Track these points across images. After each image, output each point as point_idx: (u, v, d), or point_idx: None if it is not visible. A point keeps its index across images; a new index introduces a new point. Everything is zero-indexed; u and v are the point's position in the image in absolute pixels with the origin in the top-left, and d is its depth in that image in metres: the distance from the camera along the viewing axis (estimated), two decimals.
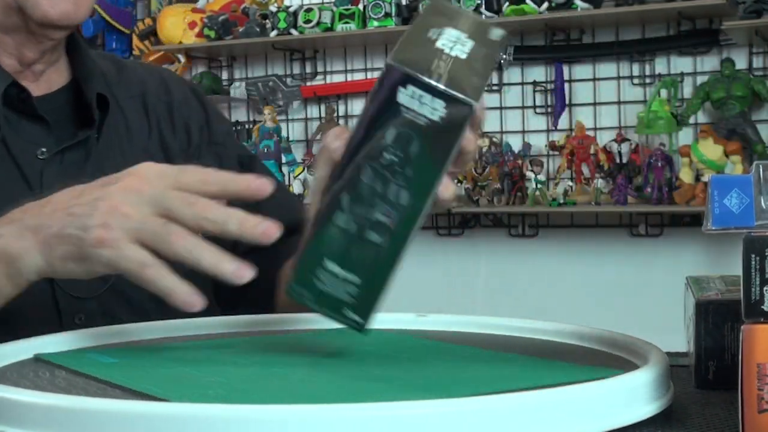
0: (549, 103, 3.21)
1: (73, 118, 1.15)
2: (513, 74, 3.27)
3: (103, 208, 0.78)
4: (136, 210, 0.77)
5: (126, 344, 0.84)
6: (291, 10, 3.31)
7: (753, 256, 0.58)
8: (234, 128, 3.60)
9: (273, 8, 3.35)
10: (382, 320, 0.91)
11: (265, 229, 0.77)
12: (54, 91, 1.16)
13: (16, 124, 1.11)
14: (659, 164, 2.91)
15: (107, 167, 1.04)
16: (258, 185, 0.79)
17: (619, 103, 3.15)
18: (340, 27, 3.24)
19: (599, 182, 3.04)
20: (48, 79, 1.16)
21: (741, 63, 2.97)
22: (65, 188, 0.85)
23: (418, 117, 0.70)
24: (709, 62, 3.04)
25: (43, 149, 1.10)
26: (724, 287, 0.80)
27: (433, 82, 0.69)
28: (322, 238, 0.74)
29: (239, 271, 0.76)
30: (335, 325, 0.77)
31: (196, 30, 3.42)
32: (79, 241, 0.79)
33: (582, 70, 3.18)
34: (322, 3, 3.40)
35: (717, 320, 0.74)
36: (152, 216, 0.77)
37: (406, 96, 0.70)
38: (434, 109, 0.70)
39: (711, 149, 2.86)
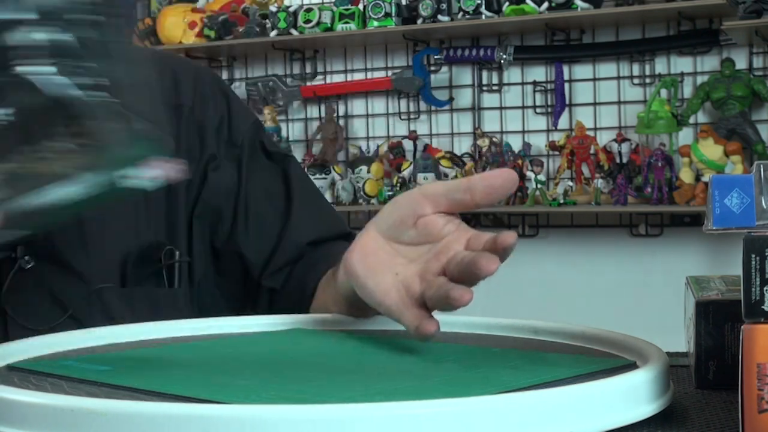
0: (549, 103, 3.21)
1: None
2: (513, 74, 3.27)
3: None
4: None
5: (92, 350, 0.82)
6: (291, 10, 3.32)
7: (753, 256, 0.58)
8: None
9: (273, 8, 3.36)
10: (381, 321, 0.91)
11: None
12: None
13: None
14: (659, 164, 2.91)
15: None
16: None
17: (619, 103, 3.15)
18: (340, 27, 3.24)
19: (599, 182, 3.04)
20: None
21: (741, 63, 2.97)
22: None
23: None
24: (709, 62, 3.04)
25: None
26: (724, 287, 0.80)
27: None
28: None
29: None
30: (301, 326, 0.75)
31: (196, 30, 3.42)
32: None
33: (582, 70, 3.18)
34: (322, 3, 3.40)
35: (717, 320, 0.74)
36: None
37: None
38: None
39: (711, 149, 2.86)
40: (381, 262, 0.82)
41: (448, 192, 0.81)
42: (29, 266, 1.00)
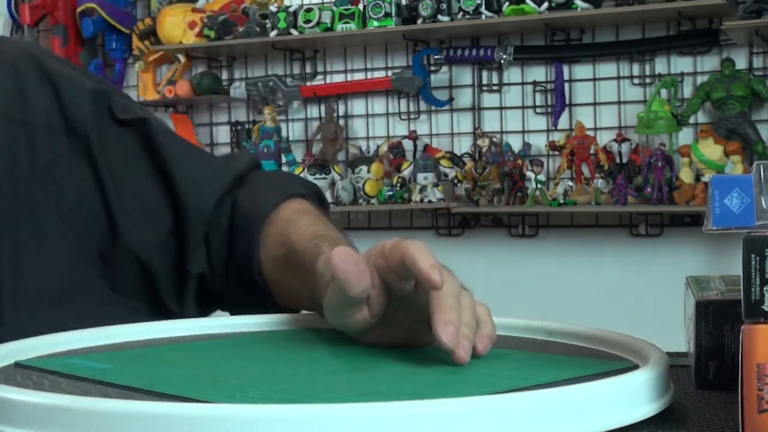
0: (549, 103, 3.21)
1: None
2: (513, 74, 3.27)
3: None
4: None
5: (91, 350, 0.82)
6: (291, 10, 3.32)
7: (753, 256, 0.58)
8: (234, 128, 3.61)
9: (273, 8, 3.35)
10: None
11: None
12: None
13: None
14: (659, 164, 2.91)
15: None
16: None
17: (619, 103, 3.15)
18: (340, 27, 3.24)
19: (599, 182, 3.04)
20: None
21: (741, 63, 2.97)
22: None
23: None
24: (709, 62, 3.04)
25: None
26: (724, 287, 0.80)
27: None
28: None
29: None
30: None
31: (196, 30, 3.42)
32: None
33: (582, 70, 3.18)
34: (322, 3, 3.40)
35: (717, 320, 0.74)
36: None
37: None
38: None
39: (711, 149, 2.86)
40: None
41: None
42: None
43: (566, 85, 3.17)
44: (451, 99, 3.34)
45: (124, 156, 1.00)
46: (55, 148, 0.96)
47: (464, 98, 3.33)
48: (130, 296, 1.00)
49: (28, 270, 0.95)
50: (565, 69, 3.17)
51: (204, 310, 1.05)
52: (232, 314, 1.05)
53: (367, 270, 0.73)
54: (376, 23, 3.19)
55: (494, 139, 3.20)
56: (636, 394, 0.63)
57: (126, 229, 0.99)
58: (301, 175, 3.36)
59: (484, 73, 3.30)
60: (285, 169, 3.44)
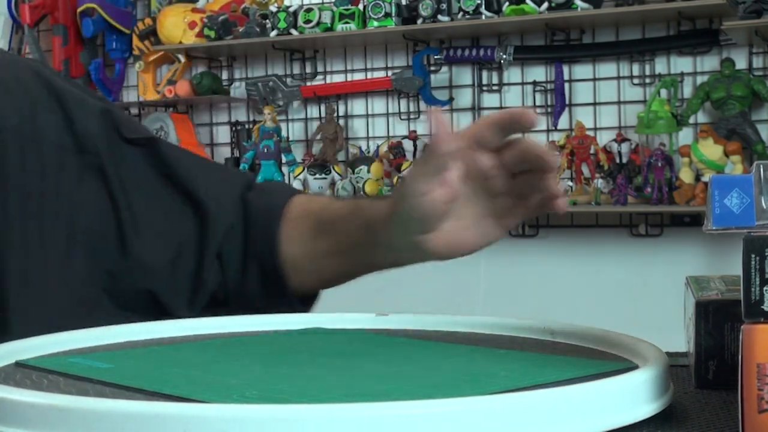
0: (549, 103, 3.21)
1: None
2: (513, 74, 3.27)
3: None
4: None
5: (92, 350, 0.82)
6: (291, 10, 3.32)
7: (753, 256, 0.58)
8: (234, 128, 3.61)
9: (273, 8, 3.36)
10: (384, 321, 0.91)
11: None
12: None
13: None
14: (659, 164, 2.91)
15: None
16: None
17: (619, 103, 3.15)
18: (340, 27, 3.24)
19: (599, 182, 3.04)
20: None
21: (741, 63, 2.97)
22: None
23: None
24: (709, 62, 3.04)
25: None
26: (724, 287, 0.80)
27: None
28: None
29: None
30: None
31: (196, 30, 3.42)
32: None
33: (582, 70, 3.18)
34: (322, 3, 3.40)
35: (717, 320, 0.74)
36: None
37: None
38: None
39: (711, 149, 2.86)
40: None
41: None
42: None
43: (566, 85, 3.17)
44: (451, 99, 3.34)
45: (134, 173, 1.01)
46: (64, 166, 0.97)
47: (464, 98, 3.33)
48: (135, 311, 1.00)
49: (36, 286, 0.96)
50: (565, 69, 3.17)
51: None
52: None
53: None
54: (376, 23, 3.19)
55: None
56: (636, 394, 0.63)
57: (137, 243, 1.00)
58: (301, 175, 3.36)
59: (484, 73, 3.30)
60: (285, 169, 3.44)
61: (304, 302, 1.05)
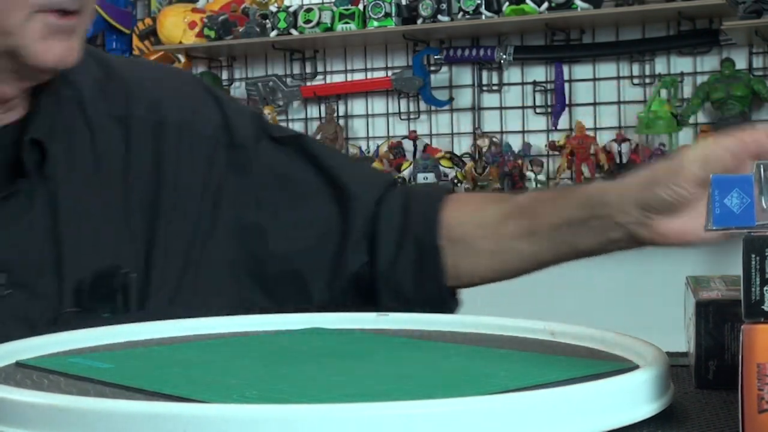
0: (549, 103, 3.21)
1: (16, 161, 0.97)
2: (513, 74, 3.27)
3: None
4: None
5: (92, 350, 0.82)
6: (291, 10, 3.32)
7: (753, 256, 0.58)
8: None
9: (273, 8, 3.36)
10: (386, 321, 0.91)
11: None
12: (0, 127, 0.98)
13: None
14: None
15: (63, 219, 0.96)
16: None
17: (619, 103, 3.15)
18: (340, 27, 3.24)
19: None
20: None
21: (741, 63, 2.97)
22: None
23: None
24: (709, 62, 3.04)
25: None
26: (724, 287, 0.80)
27: None
28: None
29: None
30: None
31: (196, 30, 3.42)
32: None
33: (582, 70, 3.18)
34: (322, 3, 3.40)
35: (717, 320, 0.74)
36: None
37: None
38: None
39: None
40: None
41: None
42: (6, 293, 0.95)
43: (566, 85, 3.17)
44: (451, 99, 3.34)
45: (281, 166, 1.08)
46: (214, 161, 1.06)
47: (464, 98, 3.33)
48: (278, 297, 1.06)
49: (184, 285, 1.02)
50: (565, 69, 3.17)
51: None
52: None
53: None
54: (376, 23, 3.19)
55: (494, 139, 3.20)
56: (636, 394, 0.63)
57: (278, 235, 1.06)
58: None
59: (484, 73, 3.30)
60: None
61: (452, 294, 1.09)
